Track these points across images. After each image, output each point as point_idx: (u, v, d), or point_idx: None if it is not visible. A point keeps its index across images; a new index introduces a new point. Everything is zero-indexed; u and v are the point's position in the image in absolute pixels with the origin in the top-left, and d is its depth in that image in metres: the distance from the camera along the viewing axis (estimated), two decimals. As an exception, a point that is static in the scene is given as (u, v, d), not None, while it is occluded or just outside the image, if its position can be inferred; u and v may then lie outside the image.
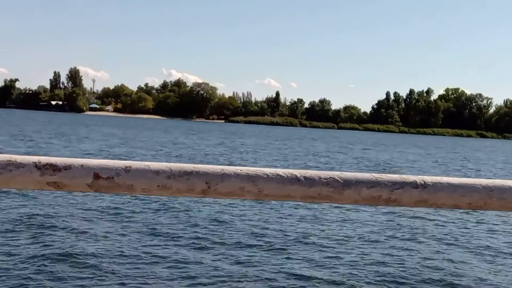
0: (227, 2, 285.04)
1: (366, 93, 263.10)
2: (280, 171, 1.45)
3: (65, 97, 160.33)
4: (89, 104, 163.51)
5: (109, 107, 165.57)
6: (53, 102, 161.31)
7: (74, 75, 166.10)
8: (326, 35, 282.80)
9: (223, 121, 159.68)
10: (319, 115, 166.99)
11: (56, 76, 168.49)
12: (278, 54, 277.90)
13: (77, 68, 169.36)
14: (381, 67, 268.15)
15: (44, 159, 1.39)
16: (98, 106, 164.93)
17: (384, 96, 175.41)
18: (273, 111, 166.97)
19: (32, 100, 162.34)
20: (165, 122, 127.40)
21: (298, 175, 1.43)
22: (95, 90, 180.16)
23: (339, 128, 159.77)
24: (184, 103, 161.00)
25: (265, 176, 1.43)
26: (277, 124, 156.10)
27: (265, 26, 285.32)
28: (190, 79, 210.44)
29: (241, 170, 1.43)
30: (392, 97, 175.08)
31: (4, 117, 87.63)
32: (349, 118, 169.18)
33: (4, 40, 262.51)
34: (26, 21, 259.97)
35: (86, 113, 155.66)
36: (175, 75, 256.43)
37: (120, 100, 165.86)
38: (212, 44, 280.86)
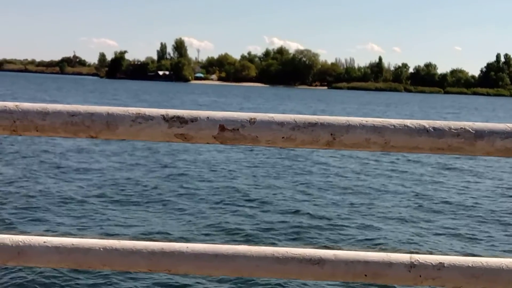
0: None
1: (474, 55, 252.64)
2: (408, 121, 1.41)
3: (171, 67, 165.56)
4: (194, 74, 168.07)
5: (214, 76, 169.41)
6: (160, 72, 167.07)
7: (179, 46, 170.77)
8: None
9: (326, 87, 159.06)
10: (424, 79, 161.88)
11: (163, 47, 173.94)
12: (380, 19, 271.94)
13: (182, 38, 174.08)
14: (489, 27, 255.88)
15: (171, 112, 1.41)
16: (203, 75, 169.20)
17: (494, 59, 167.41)
18: (376, 77, 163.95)
19: (140, 71, 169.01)
20: (268, 90, 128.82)
21: (427, 126, 1.39)
22: (199, 60, 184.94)
23: (446, 92, 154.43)
24: (286, 70, 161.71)
25: (392, 127, 1.39)
26: (381, 89, 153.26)
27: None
28: (292, 47, 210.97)
29: (366, 121, 1.40)
30: (502, 59, 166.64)
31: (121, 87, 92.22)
32: (456, 82, 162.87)
33: (114, 15, 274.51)
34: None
35: (192, 82, 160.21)
36: (277, 43, 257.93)
37: (224, 69, 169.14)
38: (312, 10, 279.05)
